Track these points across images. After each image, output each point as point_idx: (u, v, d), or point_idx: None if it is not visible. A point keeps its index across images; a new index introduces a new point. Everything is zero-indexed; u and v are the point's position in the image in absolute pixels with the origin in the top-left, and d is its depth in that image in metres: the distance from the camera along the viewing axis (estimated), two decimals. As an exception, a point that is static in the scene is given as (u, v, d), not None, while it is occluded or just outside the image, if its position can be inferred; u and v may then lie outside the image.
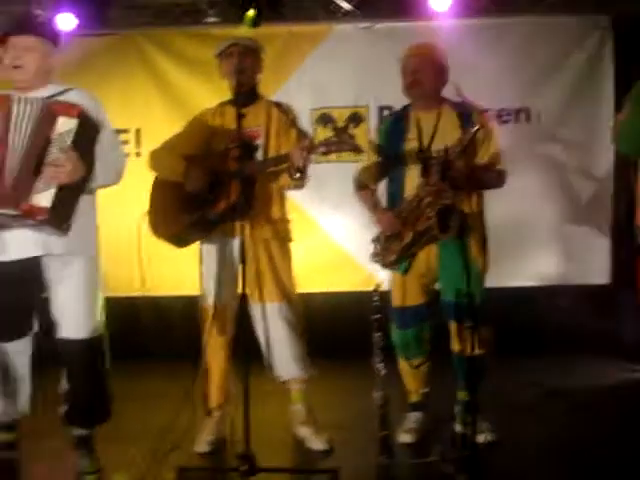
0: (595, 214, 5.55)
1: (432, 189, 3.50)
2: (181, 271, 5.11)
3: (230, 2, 5.36)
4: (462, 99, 3.52)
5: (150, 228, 3.65)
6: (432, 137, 3.63)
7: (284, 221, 3.75)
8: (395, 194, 3.73)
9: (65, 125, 2.95)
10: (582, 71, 5.49)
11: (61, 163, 2.92)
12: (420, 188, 3.56)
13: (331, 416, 3.98)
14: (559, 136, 5.53)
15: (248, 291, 3.45)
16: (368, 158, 3.86)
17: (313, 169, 3.60)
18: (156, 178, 3.76)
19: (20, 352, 3.24)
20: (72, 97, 3.13)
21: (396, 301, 3.75)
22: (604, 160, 5.46)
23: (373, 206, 3.80)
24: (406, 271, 3.71)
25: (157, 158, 3.76)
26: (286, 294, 3.67)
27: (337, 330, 5.44)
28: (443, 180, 3.44)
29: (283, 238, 3.72)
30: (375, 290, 3.27)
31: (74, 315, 3.15)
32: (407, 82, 3.69)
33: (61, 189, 2.94)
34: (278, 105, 3.75)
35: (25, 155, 2.93)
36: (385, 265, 3.75)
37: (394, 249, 3.66)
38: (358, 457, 3.42)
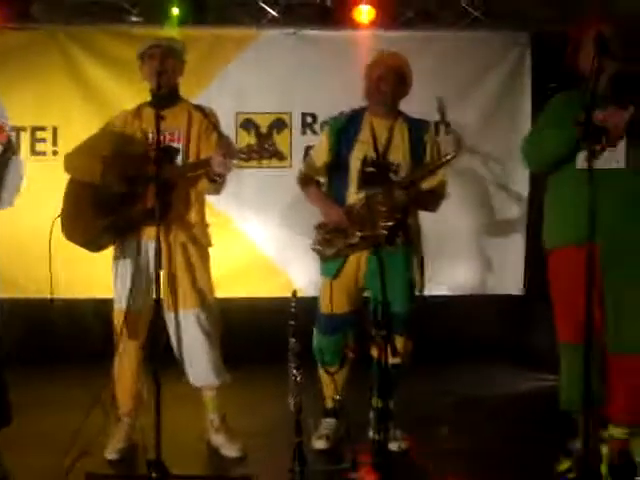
0: (511, 226, 5.69)
1: (388, 200, 3.55)
2: (94, 273, 5.02)
3: (153, 2, 5.28)
4: (441, 115, 3.59)
5: (63, 232, 3.54)
6: (386, 147, 3.68)
7: (202, 225, 3.69)
8: (338, 194, 3.75)
9: None
10: (501, 86, 5.63)
11: None
12: (374, 195, 3.59)
13: (247, 423, 3.96)
14: (478, 149, 5.64)
15: (163, 296, 3.41)
16: (314, 154, 3.87)
17: (234, 174, 3.57)
18: (70, 181, 3.66)
19: None
20: None
21: (324, 308, 3.76)
22: (521, 174, 5.60)
23: (322, 198, 3.81)
24: (335, 277, 3.72)
25: (73, 159, 3.67)
26: (202, 300, 3.61)
27: (256, 336, 5.42)
28: (406, 198, 3.55)
29: (201, 243, 3.67)
30: (292, 296, 3.26)
31: None
32: (372, 87, 3.72)
33: None
34: (199, 108, 3.71)
35: None
36: (322, 257, 3.76)
37: (336, 244, 3.68)
38: (272, 464, 3.40)
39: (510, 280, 5.68)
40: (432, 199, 3.79)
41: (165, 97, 3.53)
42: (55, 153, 5.41)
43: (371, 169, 3.65)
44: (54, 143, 5.48)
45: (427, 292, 5.35)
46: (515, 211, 5.68)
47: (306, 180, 3.91)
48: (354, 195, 3.67)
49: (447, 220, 5.48)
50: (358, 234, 3.62)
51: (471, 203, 5.67)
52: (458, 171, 5.60)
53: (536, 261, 5.31)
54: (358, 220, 3.63)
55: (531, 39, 5.57)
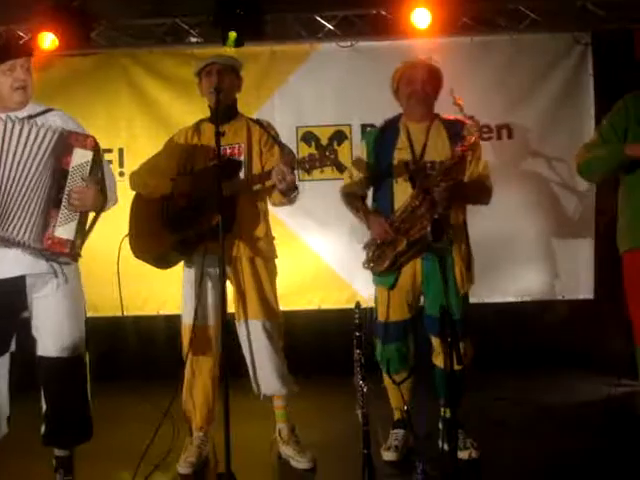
0: (578, 229, 5.57)
1: (426, 200, 3.54)
2: (163, 290, 5.13)
3: (212, 23, 5.37)
4: (460, 113, 3.59)
5: (132, 250, 3.64)
6: (423, 149, 3.68)
7: (268, 239, 3.73)
8: (384, 204, 3.75)
9: (82, 157, 3.02)
10: (563, 87, 5.53)
11: (84, 192, 3.00)
12: (412, 198, 3.59)
13: (316, 434, 3.97)
14: (541, 152, 5.55)
15: (232, 309, 3.45)
16: (350, 174, 3.88)
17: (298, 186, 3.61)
18: (135, 199, 3.75)
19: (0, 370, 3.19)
20: (52, 118, 3.15)
21: (381, 316, 3.76)
22: (586, 175, 5.48)
23: (365, 214, 3.82)
24: (392, 286, 3.71)
25: (138, 178, 3.76)
26: (269, 311, 3.65)
27: (322, 347, 5.43)
28: (436, 192, 3.51)
29: (267, 256, 3.71)
30: (357, 307, 3.27)
31: (54, 333, 3.13)
32: (407, 91, 3.73)
33: (81, 220, 3.00)
34: (258, 122, 3.76)
35: (38, 184, 2.98)
36: (377, 272, 3.76)
37: (387, 256, 3.68)
38: (341, 475, 3.41)
39: (580, 284, 5.56)
40: (476, 191, 3.74)
41: (224, 112, 3.58)
42: (122, 174, 5.52)
43: (413, 173, 3.63)
44: (120, 164, 5.63)
45: (495, 298, 5.37)
46: (582, 213, 5.56)
47: (347, 195, 3.91)
48: (399, 202, 3.67)
49: (514, 224, 5.45)
50: (405, 240, 3.62)
51: (537, 207, 5.58)
52: (523, 174, 5.55)
53: (606, 263, 5.23)
54: (403, 227, 3.63)
55: (592, 38, 5.46)
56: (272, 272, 3.74)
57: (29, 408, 3.27)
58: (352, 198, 3.89)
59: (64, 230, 2.98)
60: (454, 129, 3.71)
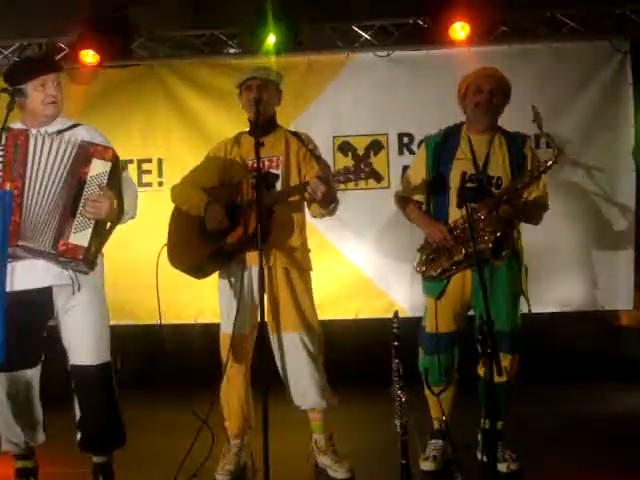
0: (619, 239, 5.50)
1: (491, 214, 3.54)
2: (201, 299, 5.16)
3: (250, 33, 5.42)
4: (538, 125, 3.56)
5: (169, 259, 3.67)
6: (486, 162, 3.68)
7: (304, 250, 3.74)
8: (439, 212, 3.75)
9: (100, 167, 3.08)
10: (602, 96, 5.47)
11: (99, 201, 3.04)
12: (475, 210, 3.57)
13: (354, 444, 3.96)
14: (581, 162, 5.50)
15: (267, 320, 3.46)
16: (407, 179, 3.89)
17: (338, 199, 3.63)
18: (174, 210, 3.78)
19: (32, 381, 3.25)
20: (80, 132, 3.22)
21: (428, 327, 3.74)
22: (626, 185, 5.43)
23: (423, 217, 3.81)
24: (440, 296, 3.70)
25: (180, 193, 3.78)
26: (306, 324, 3.64)
27: (360, 357, 5.43)
28: (505, 210, 3.53)
29: (303, 267, 3.71)
30: (395, 316, 3.26)
31: (84, 342, 3.19)
32: (475, 100, 3.71)
33: (96, 228, 3.04)
34: (296, 135, 3.78)
35: (56, 194, 3.04)
36: (427, 277, 3.75)
37: (441, 263, 3.67)
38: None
39: (619, 295, 5.48)
40: (535, 211, 3.74)
41: (263, 125, 3.61)
42: (161, 184, 5.62)
43: (472, 184, 3.62)
44: (159, 174, 5.69)
45: (534, 309, 5.32)
46: (622, 224, 5.48)
47: (403, 200, 3.90)
48: (456, 212, 3.65)
49: (553, 235, 5.38)
50: (463, 251, 3.59)
51: (576, 217, 5.52)
52: (562, 185, 5.49)
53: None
54: (461, 237, 3.61)
55: (631, 46, 5.40)
56: (308, 284, 3.74)
57: (66, 417, 3.33)
58: (407, 202, 3.89)
59: (78, 237, 3.03)
60: (515, 144, 3.70)
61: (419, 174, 3.82)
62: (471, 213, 3.52)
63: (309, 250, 3.78)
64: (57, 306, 3.18)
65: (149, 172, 5.69)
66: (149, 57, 5.78)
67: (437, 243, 3.68)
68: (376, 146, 5.58)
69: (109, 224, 3.19)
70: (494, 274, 3.55)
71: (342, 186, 3.59)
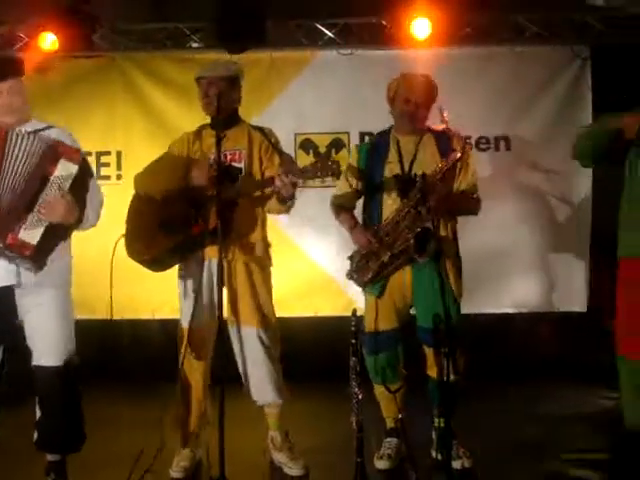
0: (573, 241, 5.59)
1: (411, 212, 3.55)
2: (157, 293, 5.12)
3: (213, 28, 5.39)
4: (444, 125, 3.60)
5: (127, 251, 3.63)
6: (412, 162, 3.70)
7: (265, 245, 3.74)
8: (372, 216, 3.78)
9: (66, 169, 3.04)
10: (562, 100, 5.55)
11: (56, 203, 3.00)
12: (398, 210, 3.61)
13: (309, 440, 3.96)
14: (539, 164, 5.57)
15: (226, 314, 3.45)
16: (340, 186, 3.90)
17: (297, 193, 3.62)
18: (134, 200, 3.75)
19: None
20: (53, 133, 3.19)
21: (368, 326, 3.76)
22: (583, 187, 5.51)
23: (351, 225, 3.84)
24: (380, 294, 3.72)
25: (142, 181, 3.75)
26: (264, 318, 3.65)
27: (318, 354, 5.44)
28: (422, 204, 3.51)
29: (263, 262, 3.72)
30: (353, 314, 3.28)
31: (46, 343, 3.16)
32: (401, 107, 3.75)
33: (49, 228, 2.99)
34: (259, 129, 3.77)
35: (19, 189, 3.00)
36: (360, 284, 3.78)
37: (370, 267, 3.69)
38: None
39: (574, 296, 5.57)
40: (464, 201, 3.76)
41: (225, 119, 3.60)
42: (119, 177, 5.56)
43: (401, 185, 3.66)
44: (118, 167, 5.63)
45: (490, 310, 5.39)
46: (578, 225, 5.57)
47: (336, 206, 3.94)
48: (387, 215, 3.70)
49: (509, 236, 5.47)
50: (388, 252, 3.62)
51: (533, 218, 5.60)
52: (520, 186, 5.57)
53: (600, 275, 5.25)
54: (387, 239, 3.64)
55: (591, 52, 5.49)
56: (267, 279, 3.74)
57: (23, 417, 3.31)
58: (340, 209, 3.92)
59: (28, 234, 2.99)
60: (443, 141, 3.73)
61: (351, 181, 3.86)
62: (395, 213, 3.60)
63: (269, 245, 3.78)
64: (20, 306, 3.15)
65: (107, 165, 5.63)
66: (111, 49, 5.71)
67: (363, 248, 3.71)
68: (338, 144, 5.59)
69: (65, 228, 3.15)
70: (432, 273, 3.53)
71: (305, 183, 3.60)
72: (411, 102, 3.72)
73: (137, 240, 3.65)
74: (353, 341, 3.22)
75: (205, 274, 3.60)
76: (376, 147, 3.86)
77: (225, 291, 3.59)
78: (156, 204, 3.64)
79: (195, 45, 5.64)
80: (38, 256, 3.03)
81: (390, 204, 3.69)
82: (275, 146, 3.73)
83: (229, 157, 3.63)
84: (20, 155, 3.01)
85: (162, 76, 5.64)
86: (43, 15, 5.41)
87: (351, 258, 3.80)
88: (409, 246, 3.54)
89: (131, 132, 5.64)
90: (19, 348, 3.24)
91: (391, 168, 3.73)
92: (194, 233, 3.53)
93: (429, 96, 3.77)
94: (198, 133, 3.78)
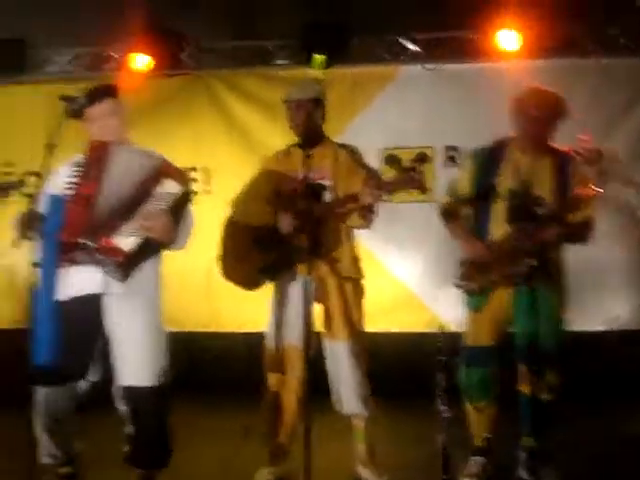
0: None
1: (537, 237, 3.49)
2: (249, 308, 5.16)
3: (299, 46, 5.45)
4: (570, 149, 3.53)
5: (221, 272, 3.71)
6: (529, 181, 3.61)
7: (354, 259, 3.76)
8: (480, 226, 3.72)
9: (170, 187, 3.08)
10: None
11: (154, 219, 3.02)
12: (519, 231, 3.53)
13: (393, 457, 3.93)
14: (632, 179, 5.40)
15: (319, 329, 3.48)
16: (452, 193, 3.86)
17: (381, 209, 3.62)
18: (228, 223, 3.81)
19: (76, 393, 3.19)
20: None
21: (467, 340, 3.72)
22: (678, 203, 5.33)
23: (463, 234, 3.78)
24: (479, 310, 3.67)
25: (242, 204, 3.83)
26: (354, 332, 3.66)
27: (399, 370, 5.40)
28: (549, 235, 3.47)
29: (354, 277, 3.73)
30: (440, 331, 3.24)
31: (138, 362, 3.12)
32: (524, 126, 3.64)
33: (142, 242, 3.03)
34: (344, 146, 3.80)
35: (122, 198, 3.04)
36: (464, 290, 3.73)
37: (478, 280, 3.64)
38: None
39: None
40: (581, 233, 3.66)
41: (311, 138, 3.66)
42: (207, 192, 5.65)
43: (515, 202, 3.58)
44: (206, 183, 5.73)
45: (583, 328, 5.24)
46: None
47: (447, 214, 3.88)
48: (497, 228, 3.63)
49: (601, 252, 5.28)
50: (499, 271, 3.56)
51: (624, 234, 5.44)
52: (610, 202, 5.40)
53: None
54: (501, 256, 3.57)
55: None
56: (359, 293, 3.76)
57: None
58: (451, 217, 3.87)
59: (122, 241, 2.99)
60: (563, 163, 3.63)
61: (464, 188, 3.80)
62: (514, 233, 3.51)
63: (359, 259, 3.79)
64: (108, 319, 3.12)
65: (195, 181, 5.73)
66: (198, 67, 5.84)
67: (476, 259, 3.66)
68: (423, 158, 5.56)
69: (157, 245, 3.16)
70: (534, 293, 3.47)
71: (388, 198, 3.59)
72: (534, 119, 3.60)
73: (231, 261, 3.73)
74: (440, 357, 3.17)
75: (297, 290, 3.61)
76: (491, 157, 3.77)
77: (318, 306, 3.64)
78: (249, 225, 3.72)
79: (280, 62, 5.71)
80: (127, 265, 3.04)
81: (499, 218, 3.61)
82: (360, 163, 3.74)
83: (316, 176, 3.66)
84: (123, 167, 3.07)
85: (247, 93, 5.74)
86: (133, 35, 5.58)
87: (461, 263, 3.75)
88: (522, 273, 3.46)
89: (218, 148, 5.75)
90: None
91: (506, 182, 3.64)
92: (285, 252, 3.58)
93: (556, 114, 3.63)
94: (287, 152, 3.84)
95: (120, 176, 3.07)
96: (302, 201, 3.41)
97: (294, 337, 3.60)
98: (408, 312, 5.59)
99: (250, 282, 3.69)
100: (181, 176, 3.14)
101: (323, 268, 3.61)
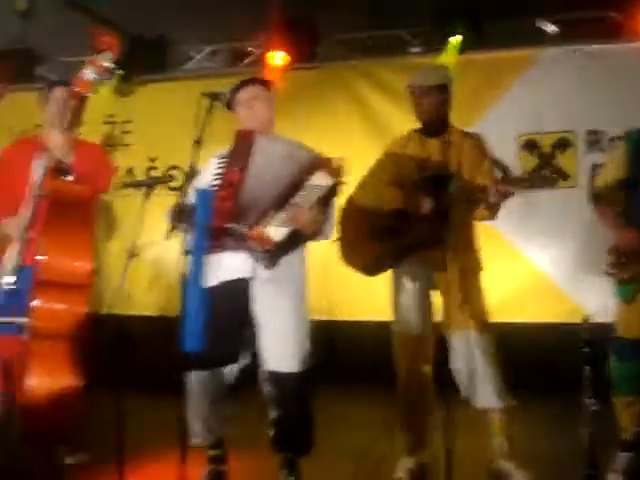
0: None
1: None
2: (369, 296, 5.16)
3: (432, 33, 5.41)
4: None
5: (341, 257, 3.70)
6: None
7: (476, 250, 3.69)
8: (634, 214, 3.57)
9: (322, 179, 3.14)
10: None
11: (304, 212, 3.10)
12: None
13: (535, 450, 3.84)
14: None
15: (442, 319, 3.45)
16: (605, 177, 3.73)
17: (520, 196, 3.53)
18: (346, 208, 3.81)
19: (229, 376, 3.32)
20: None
21: (621, 331, 3.58)
22: None
23: (614, 221, 3.66)
24: (629, 300, 3.54)
25: (366, 188, 3.82)
26: (480, 322, 3.58)
27: (537, 362, 5.26)
28: None
29: (475, 267, 3.66)
30: (584, 322, 3.14)
31: (283, 347, 3.20)
32: None
33: (291, 232, 3.11)
34: (469, 135, 3.72)
35: (270, 186, 3.11)
36: (616, 279, 3.60)
37: (630, 268, 3.51)
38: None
39: None
40: None
41: (436, 126, 3.62)
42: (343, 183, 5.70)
43: None
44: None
45: None
46: None
47: (598, 199, 3.74)
48: None
49: None
50: None
51: None
52: None
53: None
54: None
55: None
56: (479, 283, 3.67)
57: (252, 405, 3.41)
58: (601, 202, 3.74)
59: (273, 231, 3.07)
60: None
61: (616, 173, 3.65)
62: None
63: (479, 250, 3.71)
64: (256, 302, 3.21)
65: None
66: (332, 59, 5.89)
67: (628, 247, 3.52)
68: (563, 144, 5.39)
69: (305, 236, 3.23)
70: None
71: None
72: None
73: (351, 246, 3.70)
74: (586, 349, 3.08)
75: (419, 280, 3.60)
76: None
77: (440, 296, 3.61)
78: (369, 210, 3.70)
79: (414, 50, 5.68)
80: (275, 254, 3.13)
81: None
82: (486, 153, 3.66)
83: (440, 164, 3.60)
84: (270, 155, 3.13)
85: (382, 82, 5.75)
86: (269, 30, 5.70)
87: (611, 252, 3.62)
88: None
89: (352, 139, 5.76)
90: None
91: None
92: (406, 240, 3.53)
93: None
94: (409, 138, 3.79)
95: (267, 164, 3.13)
96: (427, 189, 3.36)
97: (419, 326, 3.58)
98: (548, 302, 5.43)
99: (370, 268, 3.66)
100: (336, 170, 3.16)
101: (445, 257, 3.46)
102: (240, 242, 3.13)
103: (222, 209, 3.06)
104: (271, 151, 3.16)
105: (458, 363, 3.58)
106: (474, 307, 3.59)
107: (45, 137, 3.41)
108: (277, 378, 3.21)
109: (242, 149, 3.16)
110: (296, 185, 3.12)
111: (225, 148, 3.28)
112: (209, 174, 3.20)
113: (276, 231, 3.09)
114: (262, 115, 3.34)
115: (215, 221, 3.04)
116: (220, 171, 3.17)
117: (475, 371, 3.56)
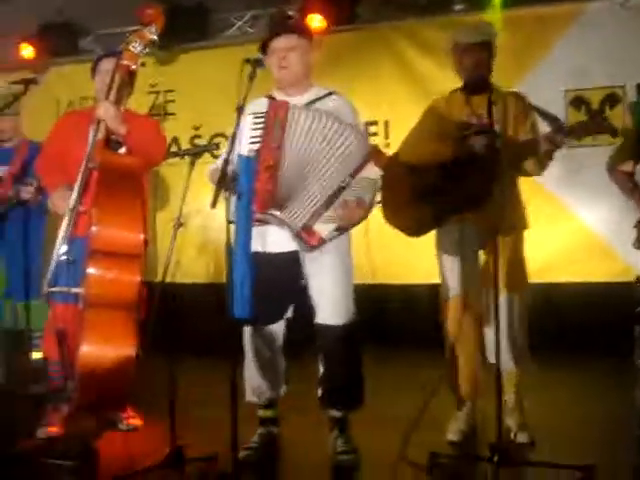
0: None
1: None
2: (417, 258, 5.14)
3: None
4: None
5: (384, 217, 3.69)
6: None
7: (522, 208, 3.63)
8: None
9: (371, 173, 3.16)
10: None
11: (353, 211, 3.11)
12: None
13: (586, 412, 3.83)
14: None
15: (486, 281, 3.41)
16: (622, 140, 3.65)
17: (568, 153, 3.47)
18: (388, 167, 3.76)
19: (278, 335, 3.43)
20: (331, 102, 3.32)
21: None
22: None
23: (630, 189, 3.60)
24: None
25: (410, 145, 3.79)
26: (518, 284, 3.54)
27: (589, 322, 5.19)
28: None
29: (521, 226, 3.61)
30: (637, 281, 3.10)
31: (331, 302, 3.27)
32: None
33: (340, 228, 3.15)
34: (512, 93, 3.67)
35: (323, 179, 3.12)
36: None
37: None
38: (612, 455, 3.24)
39: None
40: None
41: (477, 85, 3.53)
42: (387, 146, 5.67)
43: None
44: (386, 136, 5.74)
45: None
46: None
47: (613, 167, 3.66)
48: None
49: None
50: None
51: None
52: None
53: None
54: None
55: None
56: (523, 242, 3.63)
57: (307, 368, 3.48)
58: (619, 172, 3.66)
59: (322, 227, 3.12)
60: None
61: (629, 137, 3.57)
62: None
63: (525, 207, 3.65)
64: (305, 268, 3.31)
65: (375, 134, 5.76)
66: (373, 20, 5.81)
67: None
68: (612, 99, 5.27)
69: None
70: None
71: (577, 142, 3.44)
72: None
73: (393, 207, 3.69)
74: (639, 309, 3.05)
75: (465, 240, 3.55)
76: None
77: (483, 255, 3.58)
78: (412, 170, 3.65)
79: (458, 8, 5.58)
80: (319, 246, 3.18)
81: None
82: (529, 109, 3.56)
83: (481, 121, 3.54)
84: (304, 135, 3.11)
85: (426, 43, 5.66)
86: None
87: (637, 226, 3.57)
88: None
89: (397, 101, 5.73)
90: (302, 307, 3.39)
91: None
92: (451, 199, 3.49)
93: None
94: (451, 97, 3.74)
95: (305, 146, 3.12)
96: (473, 145, 3.30)
97: (466, 288, 3.55)
98: (598, 261, 5.35)
99: (413, 228, 3.63)
100: (383, 159, 3.24)
101: (489, 217, 3.39)
102: (286, 229, 3.20)
103: (263, 194, 3.08)
104: (307, 127, 3.12)
105: (488, 322, 3.53)
106: (514, 268, 3.54)
107: (96, 109, 3.44)
108: (325, 331, 3.29)
109: (276, 123, 3.13)
110: (346, 180, 3.12)
111: (257, 104, 3.26)
112: (245, 138, 3.18)
113: (324, 229, 3.12)
114: (296, 68, 3.30)
115: (257, 205, 3.05)
116: (257, 133, 3.15)
117: (508, 333, 3.53)
